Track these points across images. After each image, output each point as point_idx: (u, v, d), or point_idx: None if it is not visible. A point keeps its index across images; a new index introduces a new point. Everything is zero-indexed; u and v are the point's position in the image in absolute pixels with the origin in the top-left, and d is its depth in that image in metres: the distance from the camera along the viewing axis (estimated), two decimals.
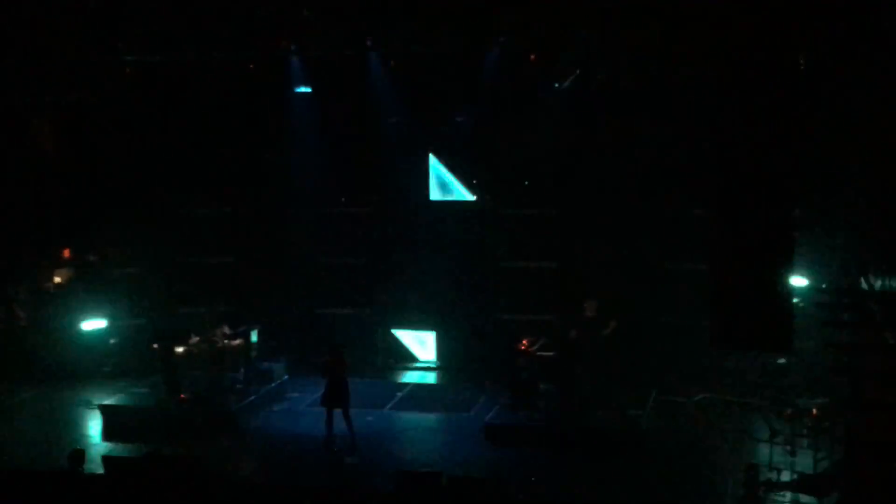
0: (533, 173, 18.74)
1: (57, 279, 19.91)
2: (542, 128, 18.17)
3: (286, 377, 17.70)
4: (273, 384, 17.28)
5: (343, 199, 19.79)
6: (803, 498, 12.56)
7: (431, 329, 19.33)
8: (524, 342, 15.66)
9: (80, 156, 18.75)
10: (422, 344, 19.50)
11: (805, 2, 12.48)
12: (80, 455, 12.33)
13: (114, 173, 19.08)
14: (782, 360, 15.64)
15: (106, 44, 16.23)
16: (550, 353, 15.11)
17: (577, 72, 15.16)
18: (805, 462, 13.28)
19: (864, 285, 13.64)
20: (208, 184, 19.63)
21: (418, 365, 19.21)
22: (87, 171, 18.90)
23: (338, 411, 14.66)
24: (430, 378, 18.80)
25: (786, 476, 12.93)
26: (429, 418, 16.34)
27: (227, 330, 16.86)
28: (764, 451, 13.69)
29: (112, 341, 19.36)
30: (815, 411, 14.23)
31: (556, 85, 15.63)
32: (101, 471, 12.55)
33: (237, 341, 16.86)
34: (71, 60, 16.43)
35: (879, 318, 12.80)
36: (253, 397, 16.51)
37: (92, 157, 18.89)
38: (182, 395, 16.15)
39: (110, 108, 17.29)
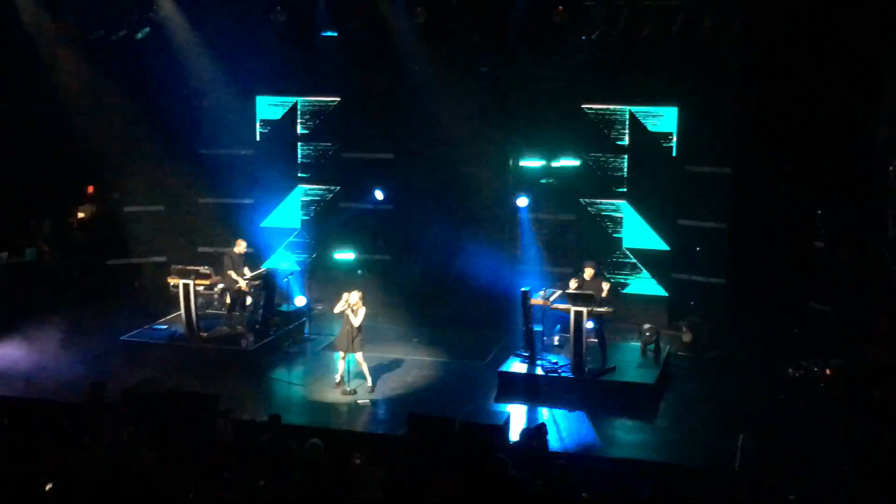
0: (557, 128, 18.64)
1: (80, 215, 20.10)
2: (567, 81, 18.08)
3: (304, 319, 17.85)
4: (290, 326, 17.46)
5: (371, 146, 19.69)
6: None
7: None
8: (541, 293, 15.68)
9: (105, 94, 18.81)
10: None
11: None
12: (100, 387, 12.59)
13: (137, 112, 19.17)
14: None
15: None
16: (566, 306, 15.13)
17: (604, 27, 14.97)
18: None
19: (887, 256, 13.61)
20: (230, 125, 19.67)
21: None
22: (111, 108, 18.95)
23: (352, 354, 14.83)
24: None
25: None
26: (444, 364, 16.48)
27: (246, 271, 17.01)
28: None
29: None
30: (828, 371, 14.30)
31: (584, 38, 15.47)
32: (120, 404, 12.81)
33: (256, 282, 17.03)
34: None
35: None
36: (271, 338, 16.72)
37: (116, 95, 18.95)
38: (201, 334, 16.36)
39: (136, 47, 17.28)
